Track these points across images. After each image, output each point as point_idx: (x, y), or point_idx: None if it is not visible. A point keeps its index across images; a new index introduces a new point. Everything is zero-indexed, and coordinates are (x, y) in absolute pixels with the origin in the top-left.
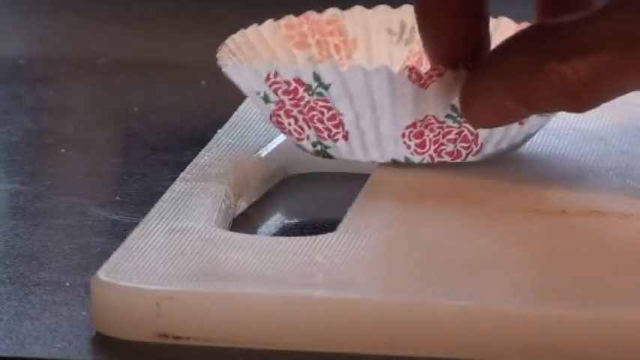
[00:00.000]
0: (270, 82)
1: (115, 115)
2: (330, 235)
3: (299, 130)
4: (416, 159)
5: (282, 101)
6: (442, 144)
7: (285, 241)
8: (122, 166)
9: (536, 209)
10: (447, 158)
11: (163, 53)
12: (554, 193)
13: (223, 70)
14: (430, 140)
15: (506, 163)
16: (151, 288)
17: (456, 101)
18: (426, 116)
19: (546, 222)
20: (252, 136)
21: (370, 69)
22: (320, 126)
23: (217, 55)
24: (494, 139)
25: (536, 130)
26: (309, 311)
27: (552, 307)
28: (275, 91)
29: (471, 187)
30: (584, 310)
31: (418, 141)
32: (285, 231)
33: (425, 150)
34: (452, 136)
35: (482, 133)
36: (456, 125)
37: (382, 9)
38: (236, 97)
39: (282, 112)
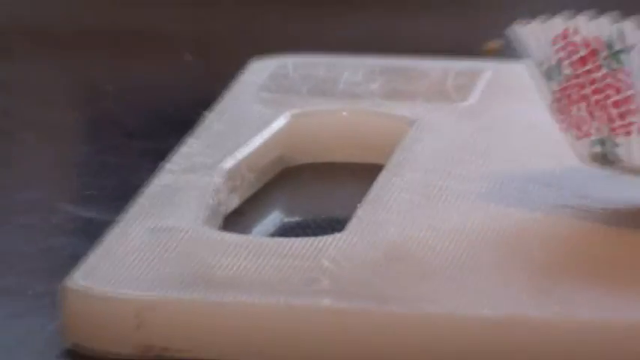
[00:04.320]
0: (565, 43)
1: (85, 95)
2: (337, 235)
3: (582, 122)
4: None
5: (571, 76)
6: None
7: (285, 243)
8: (94, 155)
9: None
10: None
11: (141, 21)
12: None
13: (511, 29)
14: None
15: None
16: (130, 296)
17: None
18: None
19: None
20: (247, 119)
21: None
22: (608, 114)
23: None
24: None
25: None
26: (313, 322)
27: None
28: (567, 58)
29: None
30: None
31: None
32: (285, 231)
33: None
34: None
35: None
36: None
37: None
38: (227, 73)
39: (567, 95)
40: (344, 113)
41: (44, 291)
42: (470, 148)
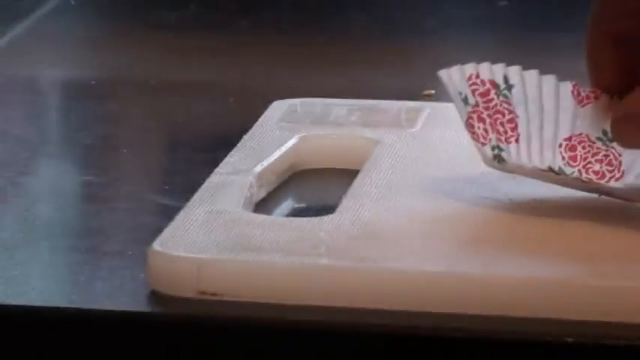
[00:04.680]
0: (471, 82)
1: (165, 125)
2: (329, 216)
3: (484, 134)
4: (568, 170)
5: (476, 104)
6: (590, 162)
7: (296, 221)
8: (170, 163)
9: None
10: (592, 176)
11: (200, 76)
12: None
13: (439, 74)
14: (581, 156)
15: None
16: (192, 256)
17: (607, 126)
18: (581, 133)
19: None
20: (269, 140)
21: (543, 77)
22: (500, 129)
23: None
24: (636, 169)
25: None
26: (314, 275)
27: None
28: (473, 92)
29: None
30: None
31: (571, 154)
32: (295, 213)
33: (576, 164)
34: (599, 157)
35: (626, 160)
36: (603, 147)
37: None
38: (257, 111)
39: (475, 116)
40: (334, 136)
41: (138, 252)
42: (417, 159)
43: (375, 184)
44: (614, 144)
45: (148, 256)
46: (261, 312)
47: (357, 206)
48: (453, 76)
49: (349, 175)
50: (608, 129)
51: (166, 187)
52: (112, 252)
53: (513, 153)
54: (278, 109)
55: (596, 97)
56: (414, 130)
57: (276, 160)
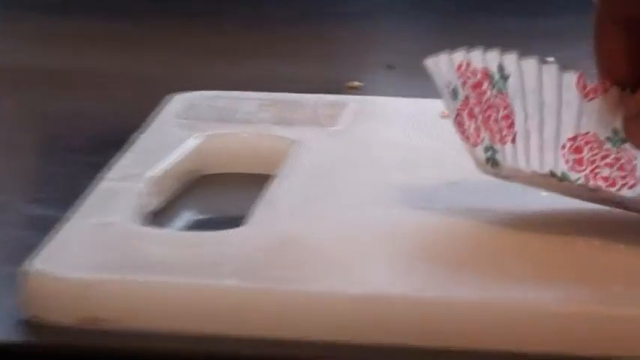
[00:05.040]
0: (461, 72)
1: (40, 120)
2: (238, 229)
3: (476, 133)
4: (573, 176)
5: (467, 98)
6: (598, 166)
7: (197, 235)
8: (47, 166)
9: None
10: (601, 183)
11: (84, 64)
12: None
13: (425, 62)
14: (588, 159)
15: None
16: (74, 277)
17: (618, 124)
18: (587, 132)
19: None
20: (166, 140)
21: (543, 65)
22: (494, 127)
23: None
24: None
25: None
26: (218, 298)
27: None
28: (463, 84)
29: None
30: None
31: (576, 157)
32: (196, 226)
33: (582, 168)
34: (609, 160)
35: None
36: (614, 149)
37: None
38: (151, 105)
39: (465, 112)
40: (243, 135)
41: (9, 272)
42: (340, 161)
43: (290, 191)
44: (627, 145)
45: (21, 277)
46: (153, 342)
47: (270, 217)
48: (441, 65)
49: (260, 180)
50: (620, 128)
51: (42, 195)
52: None
53: (509, 155)
54: (177, 103)
55: (605, 90)
56: (336, 127)
57: (174, 163)
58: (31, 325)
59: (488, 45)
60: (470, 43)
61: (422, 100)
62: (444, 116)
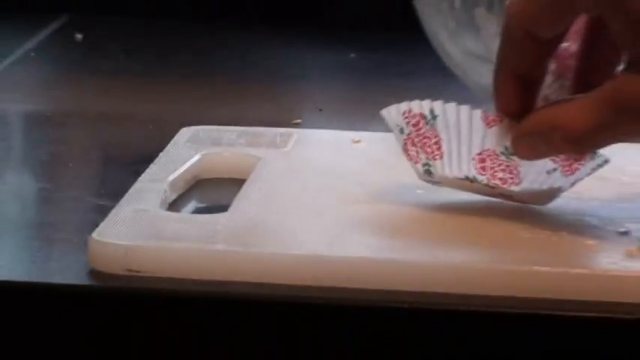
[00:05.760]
0: (405, 116)
1: (101, 145)
2: (224, 214)
3: (416, 155)
4: (480, 178)
5: (410, 133)
6: (496, 171)
7: (198, 217)
8: (106, 174)
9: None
10: (498, 182)
11: (126, 109)
12: None
13: (381, 112)
14: (489, 167)
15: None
16: (121, 243)
17: (508, 143)
18: (489, 149)
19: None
20: (179, 156)
21: (459, 107)
22: (428, 150)
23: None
24: (528, 178)
25: (573, 183)
26: (212, 258)
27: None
28: (407, 124)
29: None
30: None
31: (481, 165)
32: (197, 211)
33: (485, 172)
34: (502, 167)
35: (522, 170)
36: (506, 160)
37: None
38: (170, 134)
39: (409, 142)
40: (227, 154)
41: (81, 240)
42: (289, 170)
43: (258, 190)
44: (514, 157)
45: (88, 243)
46: (173, 285)
47: (244, 206)
48: (392, 112)
49: (239, 183)
50: (509, 145)
51: (102, 192)
52: (62, 240)
53: (439, 167)
54: (185, 133)
55: (500, 120)
56: (286, 149)
57: (183, 171)
58: (94, 274)
59: (393, 97)
60: (378, 95)
61: (341, 132)
62: (354, 142)
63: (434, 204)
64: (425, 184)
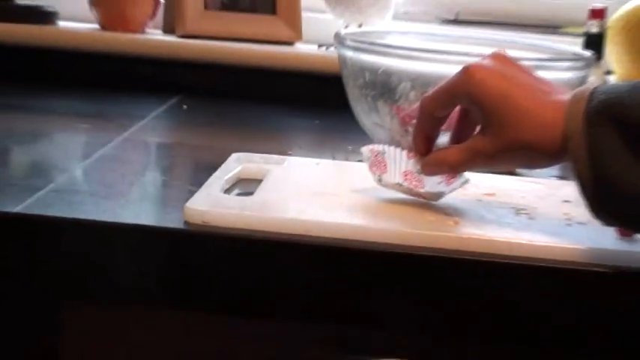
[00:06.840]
0: (371, 151)
1: (194, 161)
2: (252, 196)
3: (375, 171)
4: (405, 184)
5: (373, 161)
6: (412, 179)
7: (241, 197)
8: (194, 176)
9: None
10: (413, 186)
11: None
12: None
13: (361, 149)
14: (409, 178)
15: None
16: (200, 208)
17: (419, 167)
18: (410, 169)
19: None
20: (229, 168)
21: (396, 148)
22: (383, 169)
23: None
24: (429, 185)
25: (450, 190)
26: (245, 218)
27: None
28: (372, 156)
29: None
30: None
31: (405, 177)
32: (239, 194)
33: (407, 181)
34: (416, 179)
35: (426, 180)
36: (418, 175)
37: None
38: (226, 156)
39: (371, 164)
40: (252, 166)
41: (179, 207)
42: (285, 176)
43: (269, 185)
44: (422, 174)
45: (184, 209)
46: (226, 232)
47: (262, 193)
48: (365, 150)
49: (259, 181)
50: (420, 168)
51: (192, 183)
52: (172, 205)
53: (385, 178)
54: (234, 156)
55: (416, 155)
56: (284, 165)
57: (232, 174)
58: (187, 223)
59: (339, 142)
60: (331, 141)
61: (312, 159)
62: (316, 164)
63: (383, 197)
64: (379, 186)
